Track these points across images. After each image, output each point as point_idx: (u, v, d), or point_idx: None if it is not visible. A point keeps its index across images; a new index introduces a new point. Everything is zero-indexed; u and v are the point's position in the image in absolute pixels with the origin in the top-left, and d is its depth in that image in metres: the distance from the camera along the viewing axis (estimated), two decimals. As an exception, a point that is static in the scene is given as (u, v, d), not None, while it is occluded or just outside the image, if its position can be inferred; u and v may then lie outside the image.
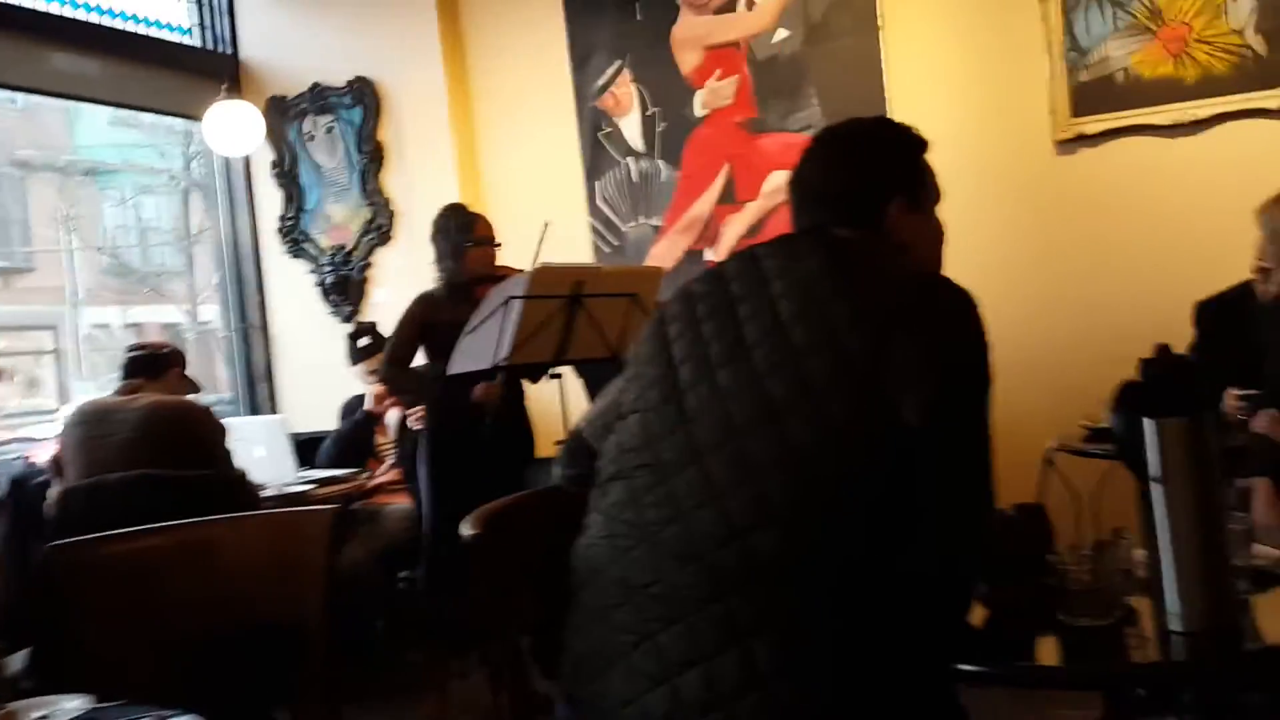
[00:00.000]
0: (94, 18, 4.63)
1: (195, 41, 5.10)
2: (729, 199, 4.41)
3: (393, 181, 4.98)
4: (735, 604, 1.37)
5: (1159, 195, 3.84)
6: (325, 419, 4.62)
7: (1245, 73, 3.69)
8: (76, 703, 1.42)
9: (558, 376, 3.34)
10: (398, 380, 3.82)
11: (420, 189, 4.80)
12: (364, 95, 4.95)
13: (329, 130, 5.04)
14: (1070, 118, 3.91)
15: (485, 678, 3.71)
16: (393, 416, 4.42)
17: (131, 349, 3.56)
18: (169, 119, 5.51)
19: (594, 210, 4.65)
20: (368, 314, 4.95)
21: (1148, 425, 1.45)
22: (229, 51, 5.15)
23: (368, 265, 5.06)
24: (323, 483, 3.97)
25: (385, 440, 4.49)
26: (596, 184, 4.64)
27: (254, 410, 5.17)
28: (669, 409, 1.52)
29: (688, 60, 4.44)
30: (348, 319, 5.03)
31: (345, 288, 5.08)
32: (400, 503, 4.19)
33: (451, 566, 3.54)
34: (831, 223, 1.63)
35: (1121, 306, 3.86)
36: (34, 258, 9.65)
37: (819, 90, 4.24)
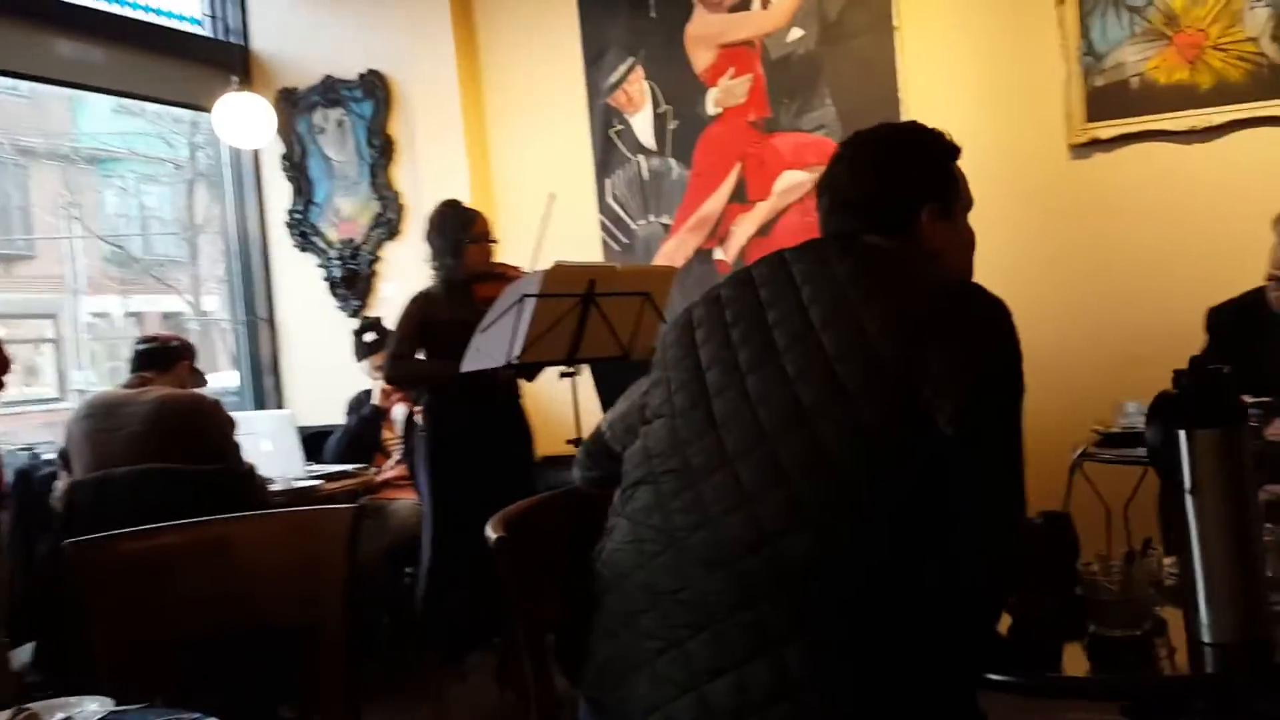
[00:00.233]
0: (103, 5, 4.61)
1: (206, 31, 5.08)
2: (740, 198, 4.40)
3: (402, 176, 4.97)
4: (765, 610, 1.36)
5: (1172, 201, 3.84)
6: (331, 413, 4.61)
7: (1260, 80, 3.69)
8: (95, 705, 1.40)
9: (572, 374, 3.32)
10: (403, 376, 3.77)
11: (430, 184, 4.79)
12: (375, 88, 4.93)
13: (339, 123, 5.03)
14: (1085, 122, 3.91)
15: (484, 679, 3.72)
16: (399, 412, 4.41)
17: (140, 341, 3.53)
18: (173, 108, 5.48)
19: (604, 207, 4.64)
20: (375, 308, 4.94)
21: (1181, 436, 1.44)
22: (240, 42, 5.13)
23: (376, 259, 5.05)
24: (330, 478, 3.96)
25: (392, 435, 4.47)
26: (607, 181, 4.63)
27: (260, 403, 5.16)
28: (697, 414, 1.51)
29: (701, 58, 4.43)
30: (355, 313, 5.02)
31: (353, 282, 5.07)
32: (407, 498, 4.19)
33: (450, 570, 3.52)
34: (861, 229, 1.62)
35: (1133, 311, 3.86)
36: (34, 245, 9.62)
37: (833, 90, 4.23)
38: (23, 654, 3.14)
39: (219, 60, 4.99)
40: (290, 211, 5.15)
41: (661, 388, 1.59)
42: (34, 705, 1.40)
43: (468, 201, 4.53)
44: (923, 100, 4.07)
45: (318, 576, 1.86)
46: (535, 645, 1.65)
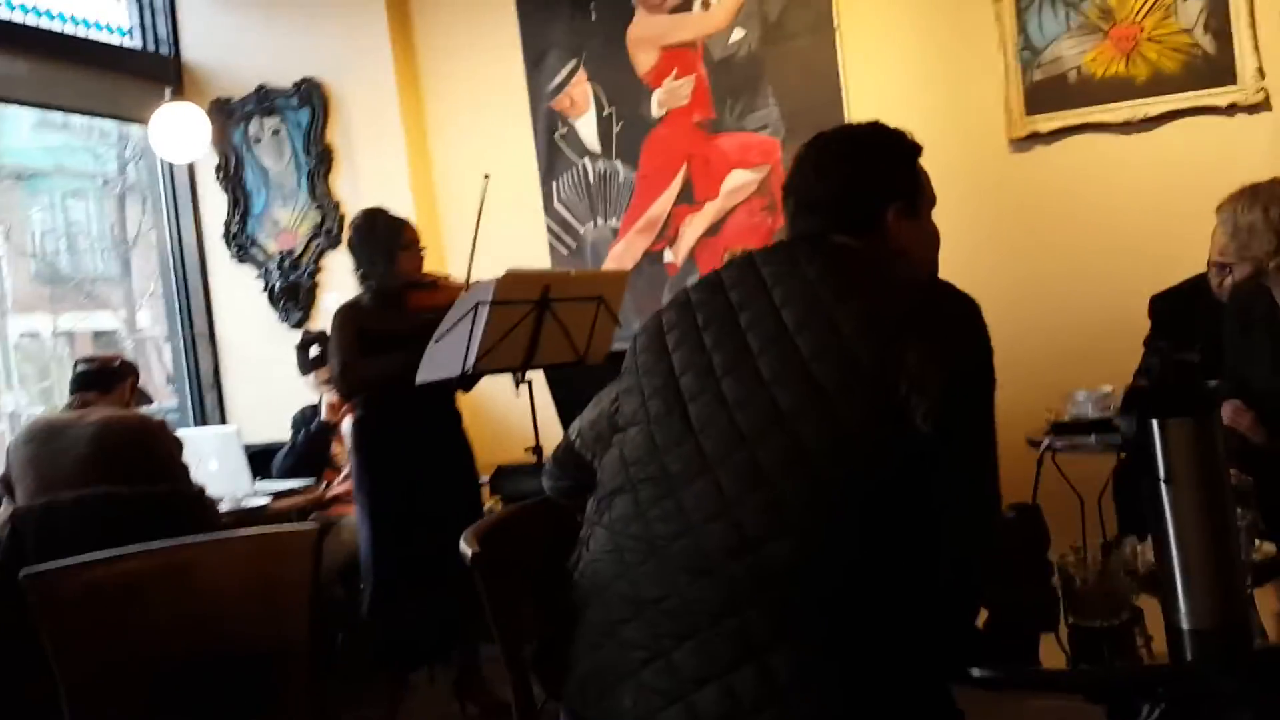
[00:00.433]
0: (28, 19, 4.48)
1: (135, 43, 4.96)
2: (687, 199, 4.40)
3: (342, 184, 4.89)
4: (751, 616, 1.36)
5: (1112, 192, 3.90)
6: (276, 428, 4.52)
7: (1195, 71, 3.76)
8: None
9: (526, 382, 3.29)
10: (357, 385, 3.57)
11: (371, 192, 4.70)
12: (312, 97, 4.85)
13: (275, 133, 4.93)
14: (1024, 116, 3.96)
15: (442, 693, 3.67)
16: (348, 425, 4.33)
17: (81, 362, 3.44)
18: (101, 121, 5.35)
19: (551, 212, 4.61)
20: (318, 320, 4.86)
21: (1154, 426, 1.45)
22: (171, 54, 5.01)
23: (317, 270, 4.96)
24: (279, 495, 3.88)
25: (341, 450, 4.39)
26: (553, 185, 4.60)
27: (202, 420, 5.05)
28: (673, 420, 1.50)
29: (644, 60, 4.42)
30: (297, 324, 4.93)
31: (294, 293, 4.97)
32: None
33: (392, 588, 3.47)
34: (828, 229, 1.63)
35: (1077, 301, 3.92)
36: (-43, 265, 9.34)
37: (776, 90, 4.24)
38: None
39: (151, 72, 4.88)
40: (226, 223, 5.05)
41: (634, 395, 1.57)
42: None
43: (410, 209, 4.50)
44: (865, 98, 4.09)
45: (282, 598, 1.82)
46: (515, 658, 1.62)
